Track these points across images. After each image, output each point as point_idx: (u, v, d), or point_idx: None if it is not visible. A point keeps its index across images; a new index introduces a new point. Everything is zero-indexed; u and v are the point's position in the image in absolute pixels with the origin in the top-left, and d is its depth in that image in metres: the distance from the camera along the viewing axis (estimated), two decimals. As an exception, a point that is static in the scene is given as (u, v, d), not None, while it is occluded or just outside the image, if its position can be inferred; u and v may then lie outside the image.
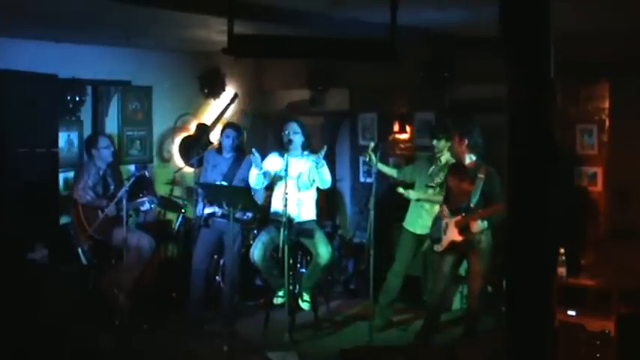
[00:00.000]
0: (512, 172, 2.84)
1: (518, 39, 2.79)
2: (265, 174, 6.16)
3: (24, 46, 6.62)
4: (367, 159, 6.25)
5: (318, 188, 6.29)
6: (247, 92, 8.61)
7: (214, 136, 7.62)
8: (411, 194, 6.36)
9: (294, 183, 6.07)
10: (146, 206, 6.56)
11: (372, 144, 6.24)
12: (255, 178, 6.12)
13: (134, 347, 5.81)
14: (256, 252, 6.08)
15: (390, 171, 6.71)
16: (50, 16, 5.47)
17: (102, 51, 7.30)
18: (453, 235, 5.64)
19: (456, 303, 6.89)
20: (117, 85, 7.53)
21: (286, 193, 5.79)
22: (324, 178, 6.10)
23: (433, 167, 6.25)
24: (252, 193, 6.31)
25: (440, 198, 6.01)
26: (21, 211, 6.17)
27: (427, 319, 5.94)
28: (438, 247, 5.78)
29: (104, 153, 6.50)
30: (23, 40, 6.61)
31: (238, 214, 6.14)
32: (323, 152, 5.98)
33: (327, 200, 7.98)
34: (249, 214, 6.44)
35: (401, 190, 6.44)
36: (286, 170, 5.88)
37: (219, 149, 6.60)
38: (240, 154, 6.50)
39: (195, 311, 6.48)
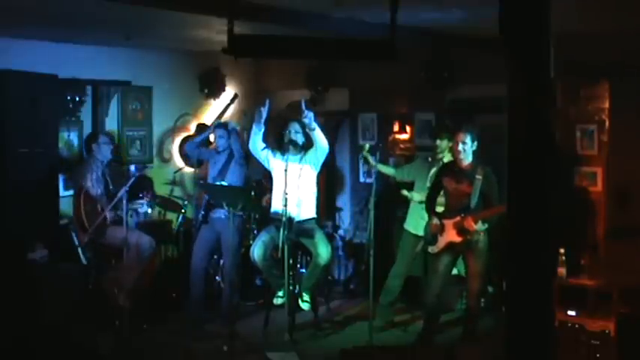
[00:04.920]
0: (512, 172, 2.84)
1: (518, 39, 2.79)
2: (265, 144, 6.15)
3: (24, 46, 6.63)
4: (363, 161, 6.23)
5: (318, 186, 6.28)
6: (247, 92, 8.62)
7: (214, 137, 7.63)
8: (415, 196, 6.36)
9: (295, 183, 6.05)
10: (144, 209, 6.55)
11: (367, 145, 6.22)
12: (253, 137, 6.11)
13: (134, 347, 5.81)
14: (256, 251, 6.08)
15: (388, 170, 6.74)
16: (50, 16, 5.48)
17: (102, 51, 7.31)
18: (450, 236, 5.63)
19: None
20: (117, 85, 7.54)
21: (286, 193, 5.79)
22: (320, 141, 5.99)
23: (434, 169, 6.24)
24: (252, 194, 6.32)
25: (442, 200, 5.99)
26: (21, 211, 6.18)
27: (426, 320, 5.93)
28: (433, 249, 5.76)
29: (103, 148, 6.48)
30: (23, 40, 6.61)
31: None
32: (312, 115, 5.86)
33: (327, 200, 7.99)
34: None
35: (405, 192, 6.44)
36: (286, 170, 5.88)
37: (217, 148, 6.63)
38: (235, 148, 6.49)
39: (195, 311, 6.48)
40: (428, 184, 6.25)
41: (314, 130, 5.94)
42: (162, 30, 6.32)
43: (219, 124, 6.64)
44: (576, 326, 5.25)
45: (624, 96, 6.10)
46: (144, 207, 6.52)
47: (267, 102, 6.07)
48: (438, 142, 6.25)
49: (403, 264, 6.47)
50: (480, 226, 5.56)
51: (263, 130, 6.11)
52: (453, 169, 5.74)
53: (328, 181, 8.12)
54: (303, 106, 5.86)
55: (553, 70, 2.76)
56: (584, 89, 6.32)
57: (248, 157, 6.44)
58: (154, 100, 7.90)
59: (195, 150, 6.88)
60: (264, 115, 6.03)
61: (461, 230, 5.58)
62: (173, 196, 7.56)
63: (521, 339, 2.85)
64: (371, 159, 6.41)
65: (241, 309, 6.72)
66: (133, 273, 6.28)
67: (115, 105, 7.61)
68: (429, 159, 6.42)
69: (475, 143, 5.62)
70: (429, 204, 5.87)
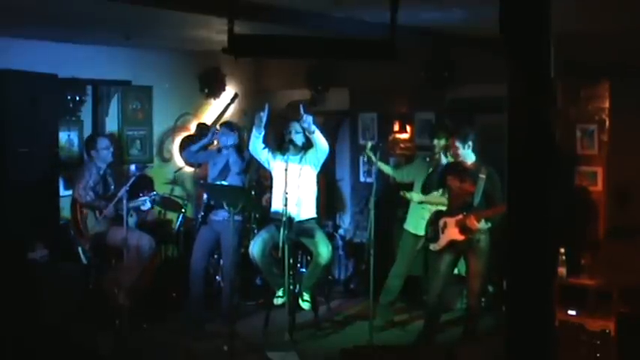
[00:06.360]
0: (512, 172, 2.84)
1: (518, 39, 2.79)
2: (265, 145, 6.16)
3: (24, 46, 6.62)
4: (366, 159, 6.27)
5: (318, 186, 6.28)
6: (247, 92, 8.62)
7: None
8: (414, 197, 6.35)
9: (295, 182, 6.05)
10: (147, 205, 6.53)
11: (370, 144, 6.26)
12: (253, 141, 6.13)
13: (134, 347, 5.81)
14: (256, 247, 6.08)
15: (389, 170, 6.75)
16: (50, 16, 5.47)
17: (102, 51, 7.31)
18: (452, 234, 5.63)
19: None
20: (117, 85, 7.54)
21: (286, 193, 5.79)
22: (320, 144, 6.03)
23: (432, 169, 6.24)
24: (252, 193, 6.32)
25: (442, 200, 6.00)
26: (21, 211, 6.18)
27: (427, 319, 5.93)
28: (434, 247, 5.77)
29: (103, 154, 6.45)
30: (23, 40, 6.61)
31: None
32: (311, 119, 5.92)
33: (328, 200, 7.98)
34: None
35: (404, 193, 6.44)
36: (286, 170, 5.88)
37: (219, 148, 6.62)
38: (238, 150, 6.49)
39: (195, 311, 6.48)
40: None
41: (313, 132, 5.96)
42: (162, 30, 6.32)
43: (223, 124, 6.64)
44: (576, 326, 5.25)
45: (624, 96, 6.10)
46: (146, 204, 6.49)
47: (267, 107, 6.09)
48: (436, 141, 6.25)
49: (403, 264, 6.48)
50: (482, 225, 5.57)
51: (263, 133, 6.13)
52: (457, 168, 5.76)
53: (328, 181, 8.12)
54: (302, 110, 5.88)
55: (553, 70, 2.76)
56: (585, 89, 6.32)
57: (248, 166, 6.44)
58: (154, 100, 7.90)
59: (194, 156, 6.89)
60: (264, 119, 6.05)
61: (463, 228, 5.59)
62: (173, 195, 7.56)
63: (521, 339, 2.85)
64: (373, 157, 6.43)
65: (241, 309, 6.72)
66: (133, 273, 6.28)
67: (115, 105, 7.61)
68: (427, 159, 6.43)
69: (471, 144, 5.63)
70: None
